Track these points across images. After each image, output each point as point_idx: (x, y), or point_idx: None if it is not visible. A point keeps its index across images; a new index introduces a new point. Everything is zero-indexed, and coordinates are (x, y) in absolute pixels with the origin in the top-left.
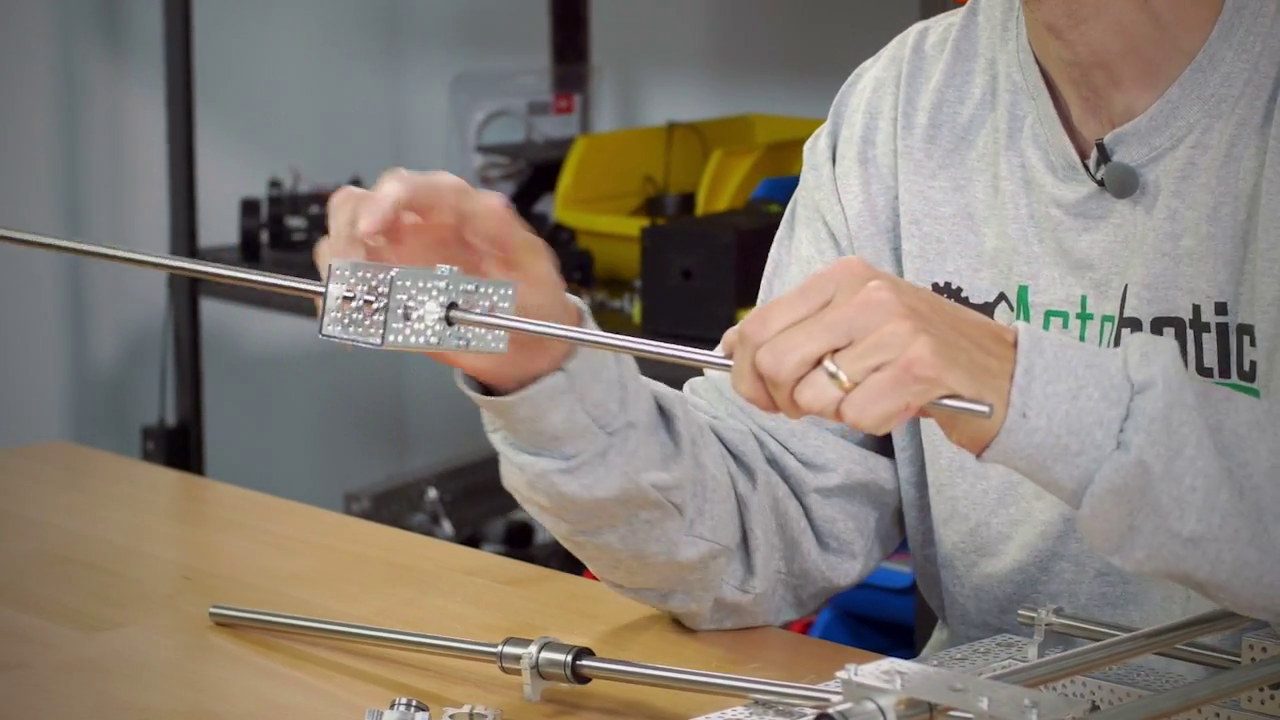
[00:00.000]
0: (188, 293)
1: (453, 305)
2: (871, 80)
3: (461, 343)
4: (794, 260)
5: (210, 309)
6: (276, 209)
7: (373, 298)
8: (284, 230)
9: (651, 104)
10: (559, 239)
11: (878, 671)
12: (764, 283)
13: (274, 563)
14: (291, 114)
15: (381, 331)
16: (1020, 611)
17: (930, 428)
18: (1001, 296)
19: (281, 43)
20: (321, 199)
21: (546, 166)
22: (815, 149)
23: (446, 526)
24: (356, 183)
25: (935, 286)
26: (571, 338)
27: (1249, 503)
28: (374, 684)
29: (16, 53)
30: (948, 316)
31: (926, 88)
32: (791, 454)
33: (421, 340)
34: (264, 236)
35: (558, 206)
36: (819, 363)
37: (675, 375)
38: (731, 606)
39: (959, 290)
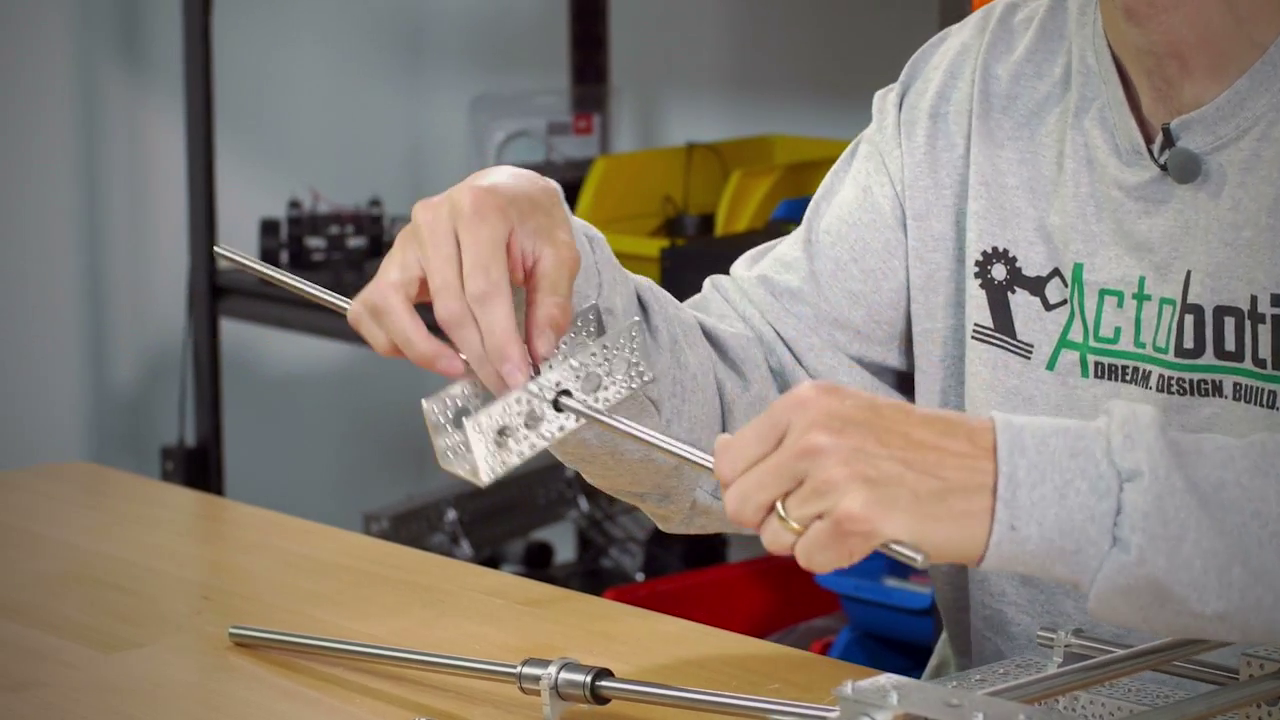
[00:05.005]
0: (207, 313)
1: (564, 393)
2: (957, 44)
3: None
4: (845, 186)
5: (230, 329)
6: (296, 229)
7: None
8: (303, 250)
9: (671, 124)
10: None
11: (874, 687)
12: (811, 204)
13: (293, 583)
14: (311, 134)
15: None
16: (1040, 632)
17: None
18: (1056, 272)
19: (301, 63)
20: (341, 219)
21: (566, 187)
22: (885, 99)
23: (466, 547)
24: (375, 203)
25: (995, 250)
26: (630, 433)
27: (1271, 552)
28: (393, 704)
29: (36, 72)
30: (902, 440)
31: (1008, 59)
32: (804, 368)
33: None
34: (284, 256)
35: None
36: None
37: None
38: (704, 510)
39: (1014, 259)
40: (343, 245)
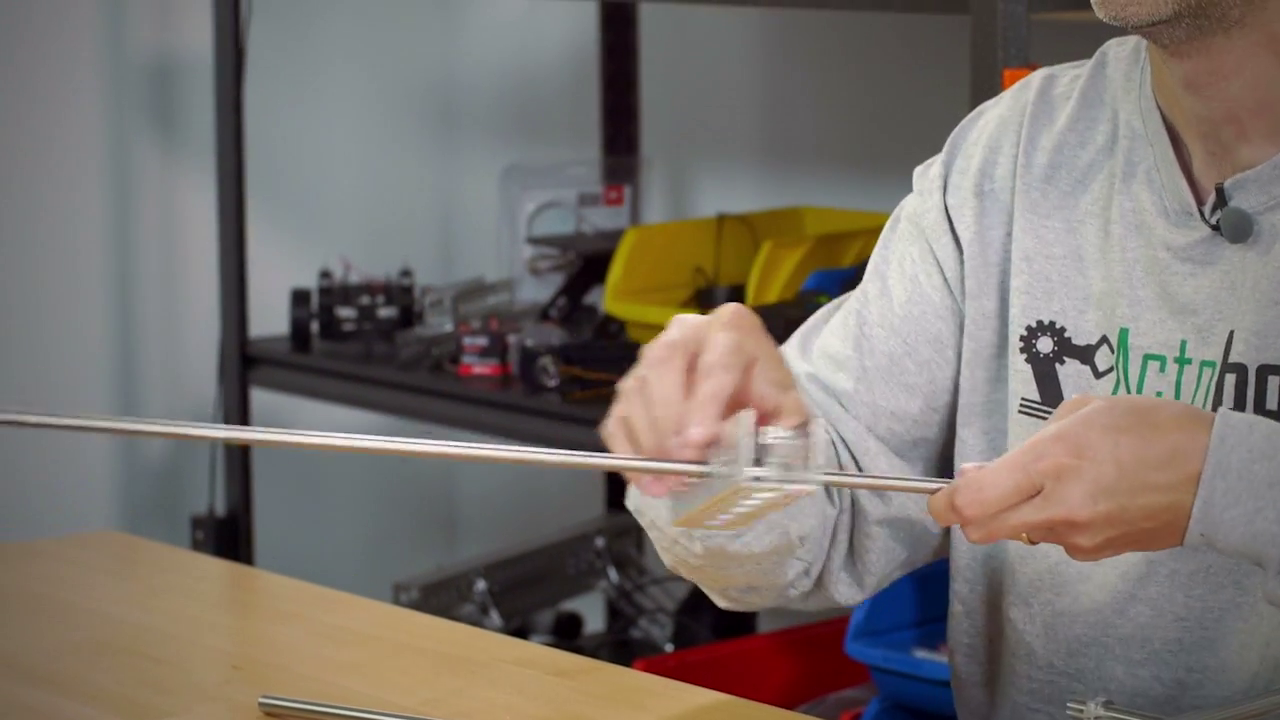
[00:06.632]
0: (238, 382)
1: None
2: (995, 118)
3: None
4: (892, 274)
5: (260, 398)
6: (327, 299)
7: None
8: (334, 320)
9: (701, 195)
10: (609, 331)
11: None
12: (858, 293)
13: (323, 652)
14: (342, 204)
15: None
16: (1070, 705)
17: None
18: (1104, 339)
19: (332, 133)
20: (372, 289)
21: (596, 258)
22: (927, 175)
23: (495, 617)
24: (406, 273)
25: (1040, 324)
26: (835, 481)
27: None
28: None
29: (68, 142)
30: (1142, 500)
31: (1050, 130)
32: (859, 466)
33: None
34: (314, 327)
35: (608, 298)
36: None
37: None
38: (754, 589)
39: (1062, 330)
40: (373, 315)
